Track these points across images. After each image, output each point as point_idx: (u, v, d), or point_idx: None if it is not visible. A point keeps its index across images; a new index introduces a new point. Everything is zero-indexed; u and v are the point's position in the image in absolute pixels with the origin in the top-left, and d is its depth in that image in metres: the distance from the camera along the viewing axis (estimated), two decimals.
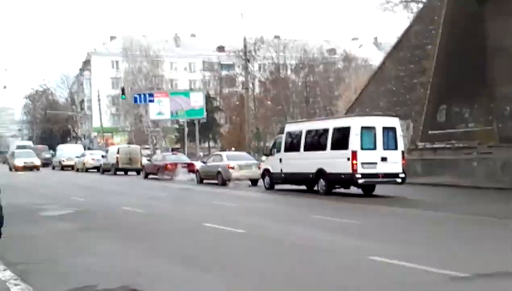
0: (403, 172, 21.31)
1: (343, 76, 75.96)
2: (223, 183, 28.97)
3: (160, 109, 61.11)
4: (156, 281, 7.83)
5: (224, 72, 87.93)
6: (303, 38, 77.15)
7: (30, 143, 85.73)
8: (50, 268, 8.94)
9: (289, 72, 77.49)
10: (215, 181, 29.66)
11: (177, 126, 76.81)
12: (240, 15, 59.26)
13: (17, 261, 9.33)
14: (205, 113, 61.41)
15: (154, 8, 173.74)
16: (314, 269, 8.61)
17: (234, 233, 12.18)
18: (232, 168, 28.83)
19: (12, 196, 22.75)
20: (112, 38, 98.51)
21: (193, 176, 33.01)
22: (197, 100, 60.92)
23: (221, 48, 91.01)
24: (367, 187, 21.47)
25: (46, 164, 60.33)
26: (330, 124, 22.64)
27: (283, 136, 24.89)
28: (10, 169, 51.91)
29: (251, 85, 63.91)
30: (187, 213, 17.20)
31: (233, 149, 62.84)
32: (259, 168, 27.63)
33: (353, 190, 21.92)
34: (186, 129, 61.99)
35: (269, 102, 74.57)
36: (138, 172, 41.75)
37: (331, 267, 8.72)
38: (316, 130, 23.22)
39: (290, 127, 25.39)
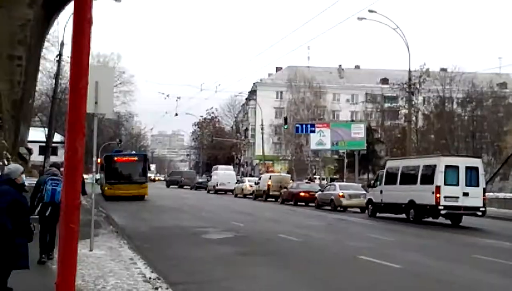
0: (483, 206, 24.08)
1: None
2: (335, 208, 32.90)
3: (321, 139, 61.53)
4: None
5: (386, 105, 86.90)
6: (471, 71, 74.24)
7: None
8: (208, 290, 9.39)
9: (455, 105, 74.76)
10: (329, 207, 33.65)
11: (336, 156, 76.89)
12: (405, 47, 58.43)
13: (178, 281, 9.91)
14: (365, 144, 61.03)
15: (318, 41, 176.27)
16: None
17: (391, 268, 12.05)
18: (343, 196, 32.89)
19: (178, 218, 24.17)
20: (278, 69, 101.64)
21: None
22: (358, 132, 60.62)
23: (384, 81, 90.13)
24: (454, 218, 24.33)
25: (198, 187, 66.81)
26: (421, 162, 26.44)
27: (384, 171, 28.45)
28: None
29: (414, 118, 62.49)
30: (341, 243, 17.18)
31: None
32: None
33: (441, 219, 24.30)
34: (346, 160, 61.88)
35: (432, 136, 72.32)
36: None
37: None
38: (410, 167, 26.82)
39: (390, 164, 29.10)
